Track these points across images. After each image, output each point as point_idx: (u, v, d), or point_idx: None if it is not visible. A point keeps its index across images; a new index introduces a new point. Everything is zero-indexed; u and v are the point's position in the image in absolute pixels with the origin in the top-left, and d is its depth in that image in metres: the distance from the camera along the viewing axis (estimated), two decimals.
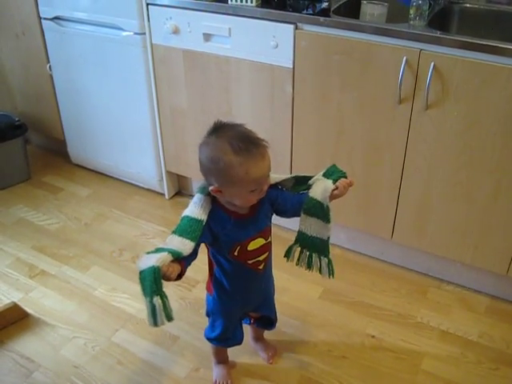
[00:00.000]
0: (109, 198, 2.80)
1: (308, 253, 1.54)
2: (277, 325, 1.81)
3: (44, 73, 2.80)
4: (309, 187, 1.49)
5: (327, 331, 1.99)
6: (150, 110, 2.51)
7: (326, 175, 1.49)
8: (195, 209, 1.41)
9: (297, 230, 1.53)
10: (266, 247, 1.54)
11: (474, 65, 1.70)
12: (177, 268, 1.31)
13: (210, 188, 1.37)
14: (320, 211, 1.46)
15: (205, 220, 1.40)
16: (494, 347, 1.92)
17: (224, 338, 1.69)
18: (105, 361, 1.88)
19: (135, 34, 2.34)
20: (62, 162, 3.11)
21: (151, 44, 2.33)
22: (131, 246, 2.43)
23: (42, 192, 2.84)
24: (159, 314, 1.27)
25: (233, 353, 1.81)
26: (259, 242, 1.50)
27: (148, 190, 2.84)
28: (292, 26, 1.95)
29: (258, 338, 1.89)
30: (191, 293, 2.15)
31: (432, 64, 1.74)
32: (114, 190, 2.87)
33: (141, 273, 1.28)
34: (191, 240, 1.37)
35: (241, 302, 1.63)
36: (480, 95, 1.73)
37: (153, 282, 1.25)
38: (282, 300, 2.04)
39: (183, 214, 1.41)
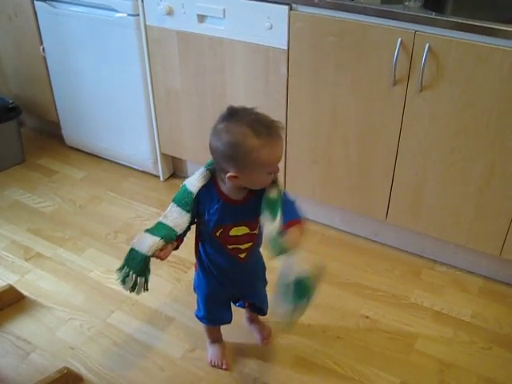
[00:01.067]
0: (103, 180, 2.80)
1: None
2: (267, 312, 1.80)
3: (37, 55, 2.78)
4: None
5: (322, 312, 2.00)
6: (145, 92, 2.50)
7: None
8: (193, 180, 1.45)
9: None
10: (250, 237, 1.52)
11: (469, 46, 1.69)
12: (170, 249, 1.43)
13: (227, 175, 1.35)
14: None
15: (194, 194, 1.43)
16: (486, 327, 1.94)
17: (210, 316, 1.72)
18: (101, 342, 1.89)
19: (129, 15, 2.33)
20: (56, 145, 3.10)
21: (145, 25, 2.31)
22: (126, 228, 2.43)
23: (37, 174, 2.84)
24: (136, 286, 1.42)
25: (227, 333, 1.83)
26: (242, 229, 1.49)
27: (143, 172, 2.84)
28: (286, 7, 1.94)
29: (253, 320, 1.91)
30: (186, 274, 2.16)
31: (427, 45, 1.73)
32: (109, 172, 2.86)
33: (131, 250, 1.40)
34: (187, 212, 1.43)
35: (222, 285, 1.63)
36: (475, 76, 1.73)
37: (137, 266, 1.39)
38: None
39: (185, 181, 1.46)
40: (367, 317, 1.98)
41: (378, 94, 1.92)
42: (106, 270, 2.19)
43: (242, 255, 1.55)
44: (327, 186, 2.24)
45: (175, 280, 2.14)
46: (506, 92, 1.70)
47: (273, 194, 1.40)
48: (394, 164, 2.03)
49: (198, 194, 1.43)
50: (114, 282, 2.13)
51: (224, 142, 1.31)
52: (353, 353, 1.84)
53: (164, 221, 1.43)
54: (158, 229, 1.42)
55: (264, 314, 1.81)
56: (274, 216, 1.36)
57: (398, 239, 2.28)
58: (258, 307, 1.78)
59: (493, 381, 1.76)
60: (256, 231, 1.52)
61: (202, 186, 1.44)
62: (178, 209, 1.43)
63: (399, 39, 1.77)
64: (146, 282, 1.44)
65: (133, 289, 1.43)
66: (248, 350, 1.86)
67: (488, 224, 1.96)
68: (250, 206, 1.43)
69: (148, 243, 1.37)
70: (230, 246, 1.52)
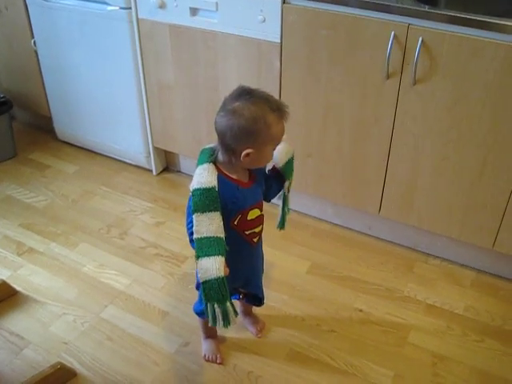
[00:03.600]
0: (96, 174, 2.79)
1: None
2: (265, 300, 1.83)
3: (29, 48, 2.76)
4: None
5: (315, 305, 2.01)
6: (137, 86, 2.49)
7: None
8: (203, 178, 1.40)
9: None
10: (261, 219, 1.58)
11: (462, 39, 1.69)
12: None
13: (244, 152, 1.37)
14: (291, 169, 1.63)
15: (216, 186, 1.40)
16: (479, 320, 1.96)
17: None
18: (94, 337, 1.89)
19: (121, 8, 2.31)
20: (48, 139, 3.08)
21: (137, 19, 2.30)
22: (119, 223, 2.43)
23: (29, 169, 2.82)
24: (228, 315, 1.43)
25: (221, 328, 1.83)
26: (256, 212, 1.53)
27: (135, 166, 2.83)
28: (279, 0, 1.93)
29: (247, 313, 1.91)
30: (180, 268, 2.16)
31: (420, 39, 1.73)
32: (101, 166, 2.85)
33: (204, 284, 1.39)
34: (215, 210, 1.39)
35: (230, 276, 1.64)
36: (467, 70, 1.73)
37: (219, 292, 1.38)
38: (271, 275, 2.06)
39: (192, 188, 1.40)
40: (361, 310, 1.99)
41: (372, 87, 1.92)
42: (99, 264, 2.19)
43: (255, 239, 1.59)
44: (320, 180, 2.24)
45: (168, 274, 2.14)
46: (499, 85, 1.70)
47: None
48: (387, 158, 2.03)
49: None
50: (106, 276, 2.13)
51: (246, 117, 1.34)
52: (346, 346, 1.85)
53: (201, 235, 1.38)
54: (206, 246, 1.38)
55: (261, 302, 1.81)
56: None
57: (392, 233, 2.29)
58: (254, 297, 1.79)
59: (485, 372, 1.77)
60: (263, 211, 1.57)
61: (217, 179, 1.42)
62: (204, 215, 1.38)
63: (392, 32, 1.77)
64: (232, 304, 1.43)
65: (227, 322, 1.43)
66: (242, 344, 1.86)
67: (480, 217, 1.96)
68: (256, 187, 1.52)
69: (213, 266, 1.37)
70: (247, 232, 1.54)
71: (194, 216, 1.38)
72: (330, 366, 1.79)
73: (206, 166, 1.43)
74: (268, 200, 1.63)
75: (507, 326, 1.93)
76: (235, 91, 1.39)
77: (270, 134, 1.37)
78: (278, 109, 1.37)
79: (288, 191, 1.67)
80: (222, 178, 1.43)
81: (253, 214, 1.52)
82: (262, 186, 1.57)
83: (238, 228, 1.51)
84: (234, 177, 1.46)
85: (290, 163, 1.61)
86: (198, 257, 1.38)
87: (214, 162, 1.45)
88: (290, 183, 1.66)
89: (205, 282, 1.39)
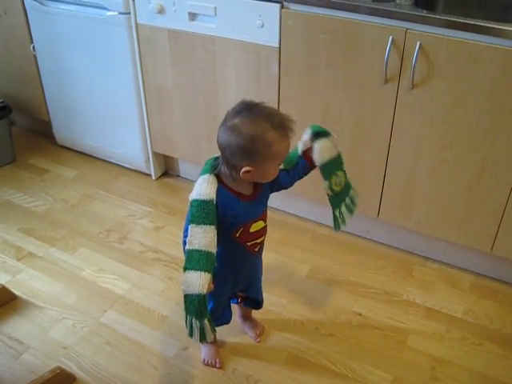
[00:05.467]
0: (95, 179, 2.79)
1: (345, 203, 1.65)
2: (264, 303, 1.83)
3: (27, 53, 2.77)
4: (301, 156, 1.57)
5: (314, 309, 2.01)
6: (136, 91, 2.49)
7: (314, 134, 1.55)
8: (202, 190, 1.39)
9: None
10: (265, 230, 1.57)
11: (460, 44, 1.70)
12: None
13: (243, 170, 1.35)
14: (337, 164, 1.59)
15: (214, 199, 1.39)
16: (478, 323, 1.96)
17: (213, 317, 1.70)
18: (94, 341, 1.89)
19: (120, 13, 2.32)
20: (47, 144, 3.08)
21: (136, 24, 2.30)
22: (118, 227, 2.43)
23: (28, 174, 2.83)
24: (204, 332, 1.44)
25: (221, 332, 1.82)
26: (260, 224, 1.53)
27: (134, 170, 2.83)
28: (278, 5, 1.94)
29: (246, 317, 1.91)
30: (179, 273, 2.16)
31: (418, 43, 1.74)
32: (101, 171, 2.86)
33: (185, 297, 1.39)
34: (210, 224, 1.38)
35: (232, 283, 1.65)
36: (465, 74, 1.73)
37: (198, 309, 1.39)
38: (270, 279, 2.06)
39: (191, 198, 1.40)
40: (360, 314, 1.99)
41: (370, 91, 1.93)
42: (98, 269, 2.19)
43: (257, 248, 1.59)
44: (319, 184, 2.23)
45: (168, 278, 2.14)
46: (497, 90, 1.71)
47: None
48: (385, 161, 2.04)
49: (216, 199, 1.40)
50: (106, 281, 2.13)
51: (243, 136, 1.31)
52: (345, 350, 1.85)
53: (193, 247, 1.39)
54: (196, 259, 1.38)
55: (260, 306, 1.82)
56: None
57: (390, 236, 2.29)
58: (253, 300, 1.80)
59: (484, 376, 1.77)
60: (267, 222, 1.56)
61: (217, 191, 1.41)
62: (199, 227, 1.38)
63: (390, 37, 1.78)
64: (210, 322, 1.44)
65: (203, 337, 1.44)
66: (241, 349, 1.86)
67: (479, 221, 1.97)
68: (261, 199, 1.50)
69: (197, 282, 1.37)
70: (249, 243, 1.54)
71: (189, 227, 1.39)
72: (329, 369, 1.79)
73: (206, 176, 1.41)
74: (282, 187, 1.60)
75: (506, 329, 1.93)
76: (237, 106, 1.36)
77: (270, 152, 1.33)
78: (280, 126, 1.33)
79: (334, 192, 1.62)
80: (222, 190, 1.42)
81: (256, 227, 1.52)
82: (268, 193, 1.55)
83: (240, 240, 1.51)
84: (236, 189, 1.44)
85: (330, 164, 1.56)
86: (185, 268, 1.39)
87: (217, 174, 1.43)
88: (342, 186, 1.61)
89: (186, 296, 1.39)
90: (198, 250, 1.38)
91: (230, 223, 1.46)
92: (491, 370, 1.79)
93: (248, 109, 1.34)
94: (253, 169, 1.35)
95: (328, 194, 1.63)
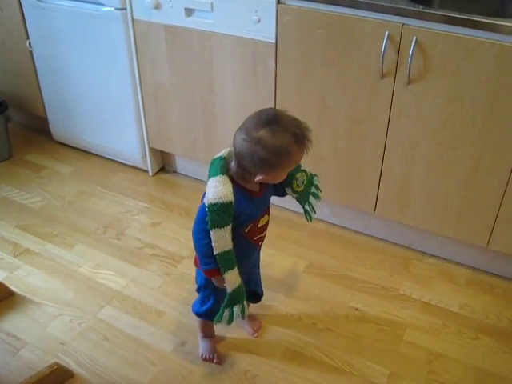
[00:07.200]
0: (92, 175, 2.79)
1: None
2: (262, 298, 1.84)
3: (24, 49, 2.76)
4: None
5: (311, 304, 2.01)
6: (133, 87, 2.49)
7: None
8: (221, 192, 1.38)
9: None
10: (268, 224, 1.61)
11: (456, 39, 1.70)
12: None
13: (259, 178, 1.39)
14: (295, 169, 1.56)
15: (233, 201, 1.39)
16: (474, 318, 1.97)
17: (213, 312, 1.71)
18: (91, 337, 1.89)
19: (116, 9, 2.31)
20: (44, 140, 3.08)
21: (132, 19, 2.30)
22: (115, 223, 2.43)
23: (25, 170, 2.82)
24: (244, 310, 1.53)
25: (218, 327, 1.83)
26: (266, 218, 1.57)
27: (131, 166, 2.83)
28: (274, 1, 1.93)
29: None
30: (176, 268, 2.16)
31: (414, 38, 1.74)
32: (97, 167, 2.85)
33: (232, 293, 1.48)
34: (229, 224, 1.41)
35: None
36: (461, 69, 1.74)
37: (242, 296, 1.51)
38: (267, 274, 2.06)
39: (210, 202, 1.38)
40: (357, 309, 2.00)
41: (366, 87, 1.93)
42: (95, 265, 2.19)
43: (261, 242, 1.63)
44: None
45: (165, 274, 2.14)
46: (493, 85, 1.71)
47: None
48: (382, 157, 2.04)
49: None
50: (103, 277, 2.14)
51: (269, 150, 1.31)
52: (343, 344, 1.86)
53: (220, 250, 1.42)
54: (227, 260, 1.44)
55: (259, 299, 1.83)
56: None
57: (387, 232, 2.29)
58: (253, 293, 1.80)
59: (481, 369, 1.78)
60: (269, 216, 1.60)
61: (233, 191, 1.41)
62: (222, 230, 1.40)
63: (387, 32, 1.78)
64: (246, 300, 1.56)
65: (242, 314, 1.53)
66: (239, 344, 1.87)
67: (475, 216, 1.98)
68: (267, 194, 1.54)
69: (236, 278, 1.47)
70: (255, 238, 1.57)
71: (212, 232, 1.39)
72: (326, 364, 1.80)
73: (219, 178, 1.40)
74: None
75: (502, 323, 1.94)
76: (264, 115, 1.34)
77: (289, 163, 1.39)
78: (302, 141, 1.35)
79: (298, 193, 1.64)
80: (238, 190, 1.43)
81: (263, 221, 1.56)
82: (272, 189, 1.58)
83: (249, 235, 1.54)
84: (247, 187, 1.46)
85: (305, 192, 1.65)
86: (223, 272, 1.45)
87: (230, 174, 1.43)
88: (305, 184, 1.64)
89: (232, 292, 1.48)
90: (225, 252, 1.43)
91: (242, 221, 1.47)
92: (487, 363, 1.80)
93: (275, 121, 1.33)
94: (269, 177, 1.40)
95: (294, 197, 1.65)
